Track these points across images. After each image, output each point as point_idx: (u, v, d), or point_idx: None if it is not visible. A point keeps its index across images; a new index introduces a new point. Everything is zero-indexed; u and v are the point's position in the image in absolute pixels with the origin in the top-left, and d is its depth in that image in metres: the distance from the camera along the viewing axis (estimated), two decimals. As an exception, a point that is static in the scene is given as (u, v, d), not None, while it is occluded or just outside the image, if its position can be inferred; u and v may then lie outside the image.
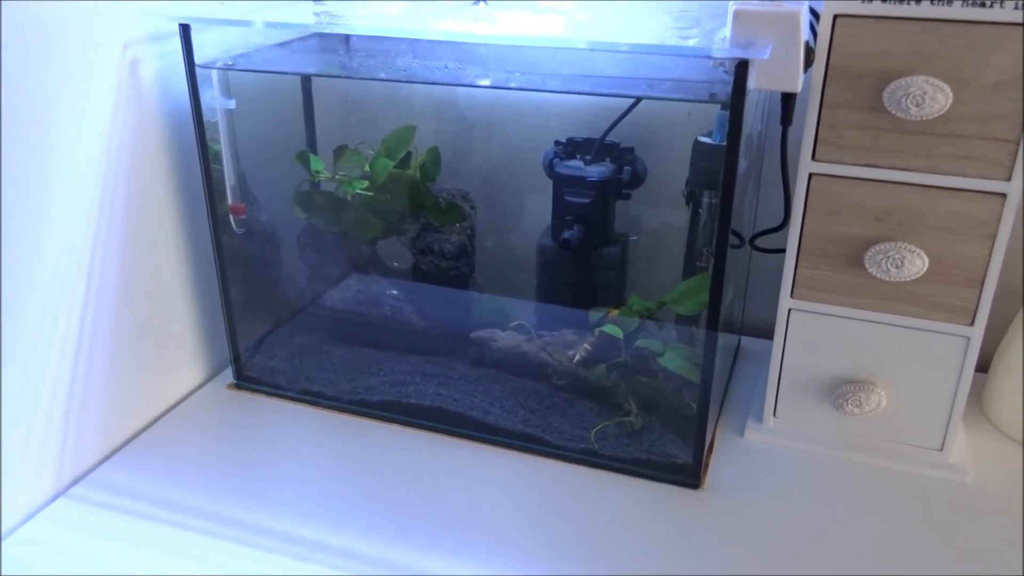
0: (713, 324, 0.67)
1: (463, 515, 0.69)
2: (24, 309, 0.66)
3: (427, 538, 0.67)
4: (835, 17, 0.62)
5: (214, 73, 0.76)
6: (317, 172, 0.85)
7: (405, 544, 0.66)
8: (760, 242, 0.83)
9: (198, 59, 0.74)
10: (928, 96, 0.62)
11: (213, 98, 0.76)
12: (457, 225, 0.85)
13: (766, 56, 0.59)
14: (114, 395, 0.76)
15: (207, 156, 0.77)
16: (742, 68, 0.59)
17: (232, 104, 0.77)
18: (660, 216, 0.86)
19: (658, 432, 0.76)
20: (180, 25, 0.72)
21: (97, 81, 0.69)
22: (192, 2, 0.75)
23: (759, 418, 0.79)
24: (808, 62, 0.64)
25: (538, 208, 0.86)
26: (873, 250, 0.68)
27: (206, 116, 0.76)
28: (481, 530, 0.68)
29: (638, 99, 0.78)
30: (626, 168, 0.81)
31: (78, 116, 0.68)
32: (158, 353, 0.81)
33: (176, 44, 0.73)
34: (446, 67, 0.70)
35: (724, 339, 0.84)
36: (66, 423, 0.72)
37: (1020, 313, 0.78)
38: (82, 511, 0.70)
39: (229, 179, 0.80)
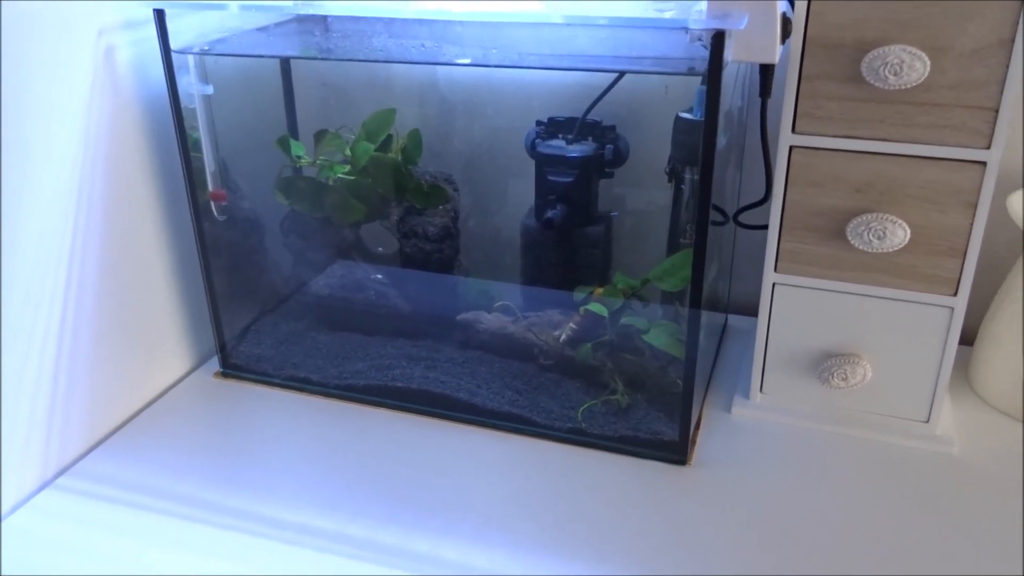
0: (696, 300, 0.67)
1: (451, 496, 0.69)
2: (4, 301, 0.66)
3: (415, 519, 0.67)
4: (812, -13, 0.62)
5: (190, 58, 0.75)
6: (298, 157, 0.85)
7: (394, 525, 0.66)
8: (744, 218, 0.83)
9: (174, 45, 0.73)
10: (906, 65, 0.61)
11: (190, 84, 0.76)
12: (440, 207, 0.85)
13: (742, 27, 0.58)
14: (99, 385, 0.76)
15: (186, 143, 0.77)
16: (718, 39, 0.58)
17: (210, 90, 0.77)
18: (644, 194, 0.86)
19: (645, 409, 0.76)
20: (154, 10, 0.71)
21: (72, 69, 0.69)
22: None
23: (746, 394, 0.79)
24: (786, 33, 0.64)
25: (521, 189, 0.86)
26: (855, 222, 0.67)
27: (184, 102, 0.76)
28: (469, 511, 0.68)
29: (620, 74, 0.77)
30: (608, 146, 0.81)
31: (54, 104, 0.68)
32: (143, 342, 0.81)
33: (151, 30, 0.72)
34: (423, 46, 0.69)
35: (710, 316, 0.84)
36: (51, 414, 0.71)
37: (1005, 283, 0.78)
38: (68, 501, 0.70)
39: (209, 166, 0.79)
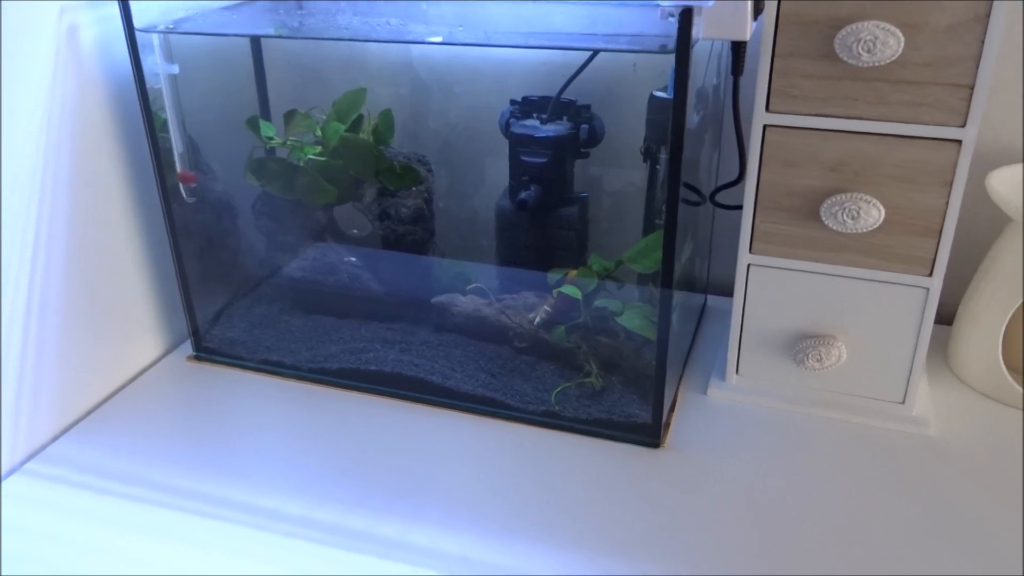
0: (668, 280, 0.66)
1: (422, 480, 0.69)
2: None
3: (384, 503, 0.66)
4: (784, -38, 0.61)
5: (155, 37, 0.74)
6: (268, 138, 0.84)
7: (363, 510, 0.66)
8: (722, 198, 0.82)
9: (138, 23, 0.71)
10: (879, 41, 0.60)
11: (156, 64, 0.74)
12: (413, 189, 0.84)
13: (710, 3, 0.57)
14: (69, 369, 0.75)
15: (152, 124, 0.75)
16: (686, 16, 0.57)
17: (175, 69, 0.75)
18: (619, 174, 0.85)
19: (619, 392, 0.75)
20: (117, -12, 0.70)
21: (33, 48, 0.67)
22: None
23: (722, 376, 0.79)
24: (758, 10, 0.63)
25: (496, 169, 0.85)
26: (829, 202, 0.66)
27: (150, 83, 0.74)
28: (441, 495, 0.67)
29: (594, 52, 0.76)
30: (583, 126, 0.80)
31: (14, 86, 0.66)
32: (114, 326, 0.80)
33: (115, 8, 0.71)
34: (388, 23, 0.68)
35: (687, 298, 0.83)
36: (18, 398, 0.71)
37: (984, 262, 0.78)
38: (37, 486, 0.69)
39: (177, 147, 0.78)
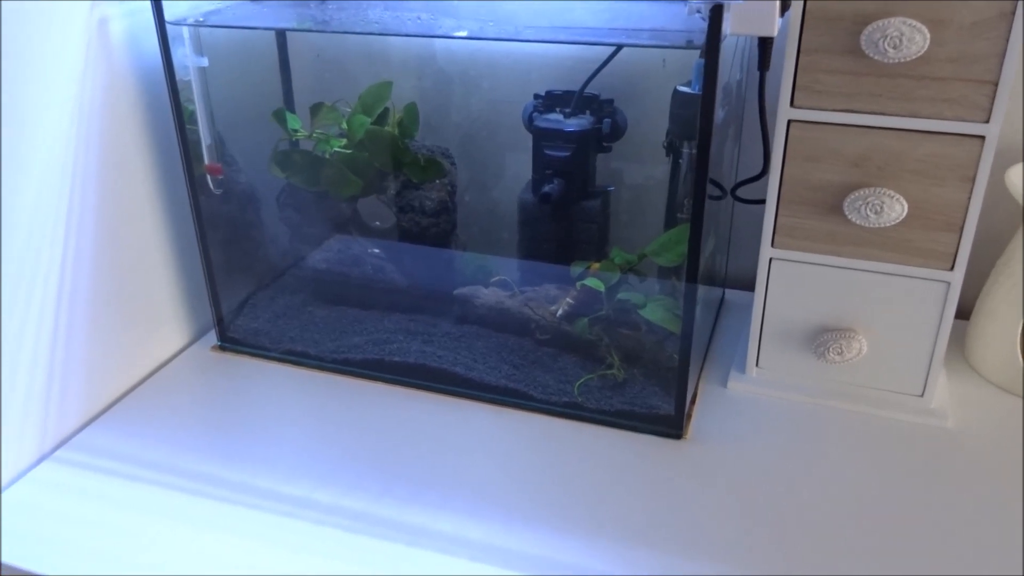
0: (693, 274, 0.67)
1: (447, 470, 0.70)
2: (1, 274, 0.66)
3: (411, 493, 0.67)
4: (811, -41, 0.62)
5: (185, 30, 0.74)
6: (294, 131, 0.84)
7: (389, 499, 0.67)
8: (743, 192, 0.83)
9: (168, 16, 0.72)
10: (906, 38, 0.61)
11: (185, 56, 0.75)
12: (437, 181, 0.84)
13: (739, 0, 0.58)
14: (96, 358, 0.76)
15: (181, 116, 0.76)
16: (716, 12, 0.58)
17: (205, 62, 0.76)
18: (642, 168, 0.86)
19: (641, 384, 0.76)
20: (148, -19, 0.71)
21: (65, 41, 0.68)
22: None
23: (742, 368, 0.79)
24: (785, 6, 0.63)
25: (519, 163, 0.86)
26: (852, 196, 0.67)
27: (179, 75, 0.75)
28: (466, 484, 0.68)
29: (618, 47, 0.77)
30: (606, 120, 0.80)
31: (46, 77, 0.67)
32: (140, 316, 0.81)
33: (144, 2, 0.72)
34: (419, 18, 0.69)
35: (707, 291, 0.84)
36: (48, 387, 0.72)
37: (1003, 257, 0.78)
38: (67, 474, 0.70)
39: (205, 139, 0.79)
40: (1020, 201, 0.73)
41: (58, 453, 0.72)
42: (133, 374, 0.81)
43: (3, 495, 0.68)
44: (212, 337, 0.88)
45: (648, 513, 0.65)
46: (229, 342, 0.86)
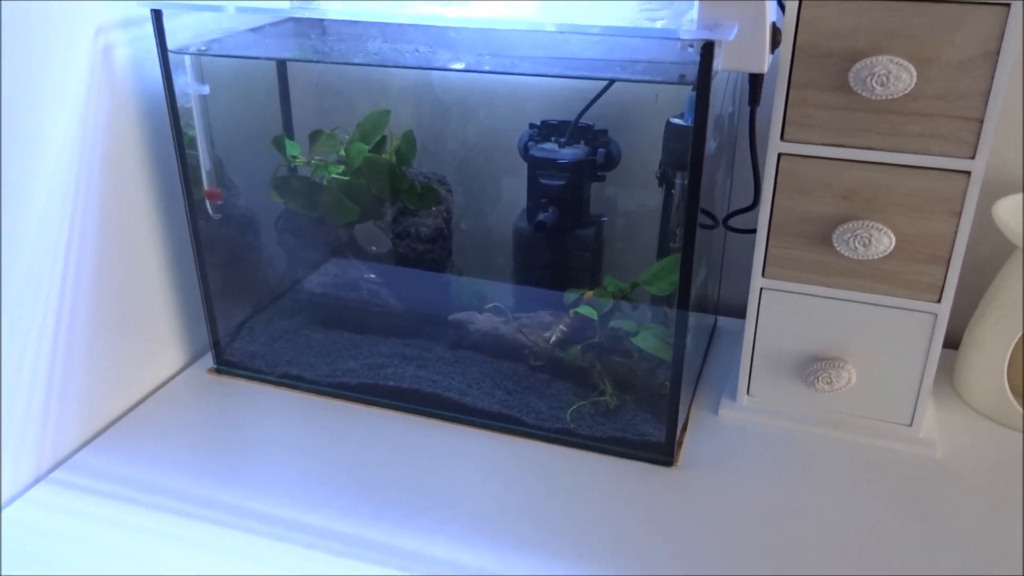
0: (684, 303, 0.68)
1: (440, 495, 0.70)
2: (2, 296, 0.67)
3: (404, 517, 0.68)
4: (801, -3, 0.63)
5: (187, 58, 0.76)
6: (293, 157, 0.86)
7: (382, 523, 0.67)
8: (735, 222, 0.84)
9: (171, 44, 0.74)
10: (893, 76, 0.62)
11: (187, 84, 0.77)
12: (433, 208, 0.85)
13: (731, 37, 0.59)
14: (94, 380, 0.77)
15: (182, 142, 0.77)
16: (708, 49, 0.59)
17: (206, 90, 0.77)
18: (635, 197, 0.87)
19: (633, 411, 0.77)
20: (152, 10, 0.72)
21: (70, 66, 0.70)
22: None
23: (733, 396, 0.80)
24: (775, 43, 0.65)
25: (514, 191, 0.87)
26: (841, 228, 0.68)
27: (180, 101, 0.76)
28: (458, 509, 0.69)
29: (611, 81, 0.78)
30: (600, 150, 0.82)
31: (51, 102, 0.68)
32: (138, 338, 0.82)
33: (149, 29, 0.73)
34: (416, 50, 0.70)
35: (699, 318, 0.85)
36: (46, 408, 0.72)
37: (990, 289, 0.79)
38: (63, 495, 0.70)
39: (204, 164, 0.80)
40: (1007, 235, 0.74)
41: (55, 474, 0.73)
42: (130, 396, 0.82)
43: (1, 515, 0.68)
44: (208, 359, 0.88)
45: (639, 539, 0.65)
46: (225, 365, 0.87)
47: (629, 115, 0.84)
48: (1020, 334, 0.75)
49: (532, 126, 0.84)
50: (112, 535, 0.66)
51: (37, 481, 0.72)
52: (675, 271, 0.68)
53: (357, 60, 0.75)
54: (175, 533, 0.66)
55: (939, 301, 0.69)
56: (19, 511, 0.69)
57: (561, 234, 0.83)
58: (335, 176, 0.84)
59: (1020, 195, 0.79)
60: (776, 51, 0.65)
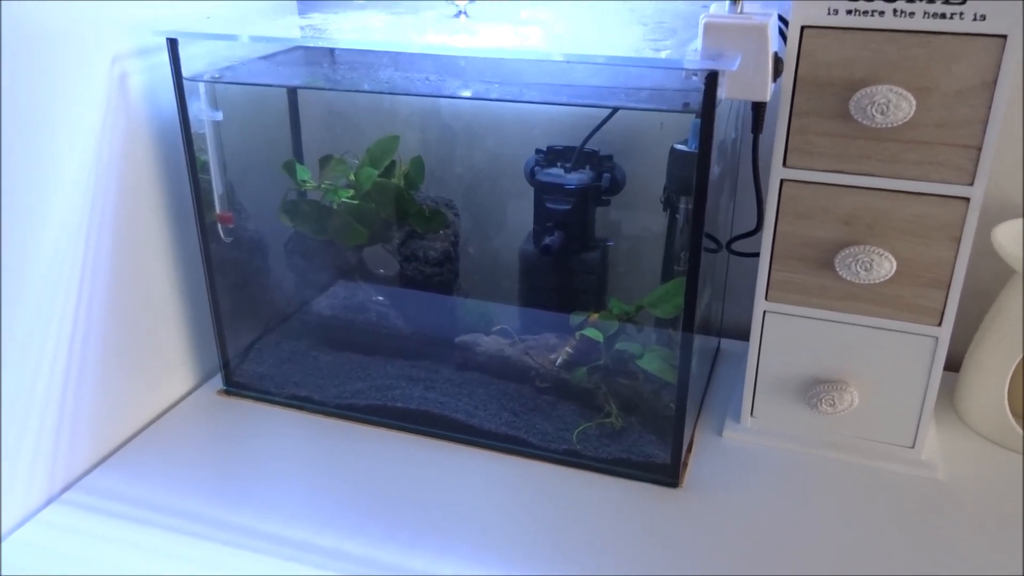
0: (689, 326, 0.69)
1: (448, 515, 0.71)
2: (16, 317, 0.68)
3: (413, 538, 0.69)
4: (802, 28, 0.65)
5: (201, 86, 0.77)
6: (303, 181, 0.87)
7: (391, 543, 0.68)
8: (738, 246, 0.86)
9: (185, 72, 0.75)
10: (892, 104, 0.64)
11: (200, 110, 0.78)
12: (441, 232, 0.87)
13: (735, 67, 0.61)
14: (105, 401, 0.78)
15: (195, 167, 0.79)
16: (712, 79, 0.61)
17: (219, 116, 0.79)
18: (639, 221, 0.88)
19: (638, 433, 0.78)
20: (168, 39, 0.74)
21: (87, 94, 0.71)
22: (179, 16, 0.77)
23: (737, 418, 0.81)
24: (777, 72, 0.66)
25: (520, 215, 0.88)
26: (843, 253, 0.70)
27: (194, 128, 0.78)
28: (466, 530, 0.69)
29: (615, 109, 0.80)
30: (605, 175, 0.83)
31: (68, 128, 0.70)
32: (149, 360, 0.83)
33: (164, 58, 0.75)
34: (427, 79, 0.72)
35: (703, 341, 0.86)
36: (58, 429, 0.73)
37: (990, 312, 0.81)
38: (75, 516, 0.71)
39: (217, 189, 0.82)
40: (1007, 259, 0.75)
41: (66, 495, 0.74)
42: (141, 417, 0.83)
43: (11, 537, 0.69)
44: (218, 381, 0.89)
45: (644, 561, 0.66)
46: (235, 386, 0.88)
47: (634, 141, 0.85)
48: (1020, 357, 0.76)
49: (538, 151, 0.85)
50: (123, 556, 0.67)
51: (49, 502, 0.73)
52: (679, 294, 0.69)
53: (367, 88, 0.77)
54: (186, 554, 0.67)
55: (940, 324, 0.71)
56: (31, 532, 0.69)
57: (567, 257, 0.84)
58: (344, 200, 0.85)
59: (1019, 220, 0.80)
60: (778, 80, 0.67)
